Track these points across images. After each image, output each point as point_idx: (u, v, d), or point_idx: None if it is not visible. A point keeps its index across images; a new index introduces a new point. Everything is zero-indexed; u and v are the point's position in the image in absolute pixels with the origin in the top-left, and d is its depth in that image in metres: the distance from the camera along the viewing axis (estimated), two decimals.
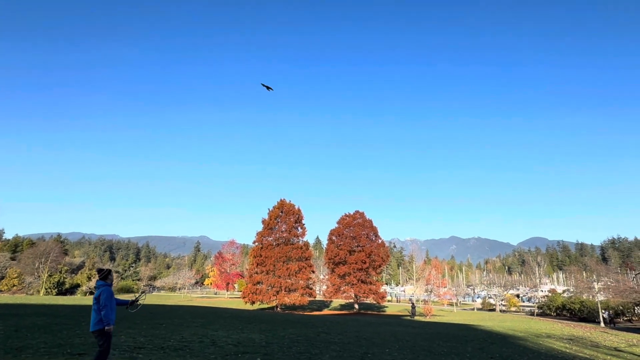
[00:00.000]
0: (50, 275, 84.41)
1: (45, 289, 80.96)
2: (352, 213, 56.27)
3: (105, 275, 7.89)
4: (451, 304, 73.31)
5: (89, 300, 56.24)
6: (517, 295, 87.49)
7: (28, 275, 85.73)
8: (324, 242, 74.94)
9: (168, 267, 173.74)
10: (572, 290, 76.47)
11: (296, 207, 52.24)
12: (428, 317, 44.47)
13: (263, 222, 51.55)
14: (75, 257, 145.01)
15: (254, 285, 48.29)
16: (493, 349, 16.74)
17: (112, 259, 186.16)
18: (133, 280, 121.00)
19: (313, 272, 54.10)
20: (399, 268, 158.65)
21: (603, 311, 43.32)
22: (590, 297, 50.61)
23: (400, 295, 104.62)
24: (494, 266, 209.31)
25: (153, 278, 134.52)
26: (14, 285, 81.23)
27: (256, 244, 51.39)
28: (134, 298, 8.80)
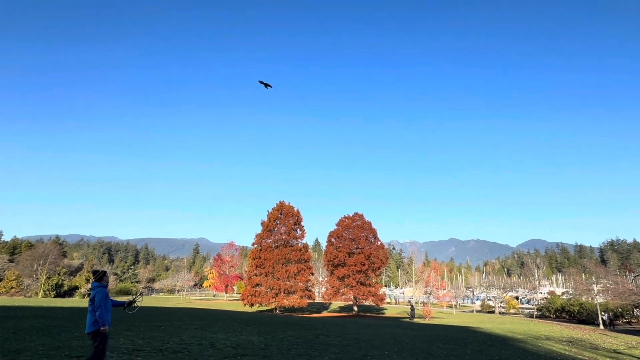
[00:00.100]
0: (48, 278, 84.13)
1: (44, 291, 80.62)
2: (351, 215, 56.30)
3: (100, 277, 7.89)
4: (450, 306, 73.17)
5: (87, 302, 56.00)
6: (516, 298, 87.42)
7: (26, 277, 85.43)
8: (323, 244, 74.86)
9: (167, 269, 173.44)
10: (571, 292, 76.39)
11: (295, 209, 52.25)
12: (427, 319, 44.40)
13: (262, 224, 51.51)
14: (73, 259, 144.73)
15: (253, 287, 48.19)
16: (492, 351, 16.72)
17: (111, 261, 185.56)
18: (132, 282, 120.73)
19: (312, 274, 54.05)
20: (398, 270, 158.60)
21: (602, 313, 43.32)
22: (590, 299, 50.60)
23: (399, 298, 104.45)
24: (493, 268, 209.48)
25: (152, 280, 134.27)
26: (12, 288, 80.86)
27: (255, 246, 51.32)
28: (131, 299, 8.79)
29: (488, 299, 79.83)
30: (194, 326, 18.69)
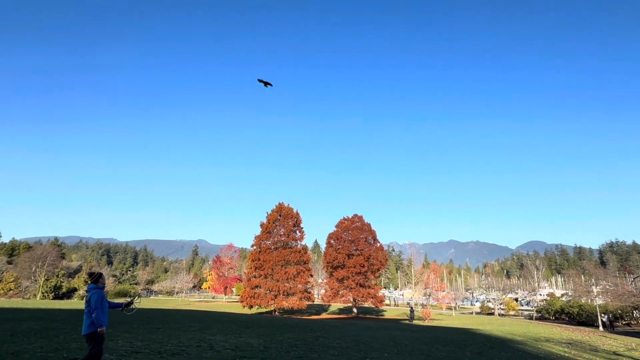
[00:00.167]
0: (47, 279, 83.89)
1: (42, 293, 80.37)
2: (350, 217, 56.28)
3: (96, 279, 7.89)
4: (450, 308, 73.12)
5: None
6: (516, 299, 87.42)
7: (25, 279, 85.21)
8: (323, 245, 74.85)
9: (166, 271, 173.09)
10: (570, 294, 76.48)
11: (295, 210, 52.21)
12: (426, 321, 44.34)
13: (261, 225, 51.46)
14: (72, 260, 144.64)
15: (252, 289, 48.10)
16: (492, 353, 16.70)
17: (110, 262, 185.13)
18: (130, 284, 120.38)
19: (311, 275, 53.98)
20: (397, 272, 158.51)
21: (602, 315, 43.28)
22: (589, 300, 50.58)
23: (398, 299, 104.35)
24: (493, 270, 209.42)
25: (150, 282, 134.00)
26: (11, 290, 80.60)
27: (254, 247, 51.26)
28: (128, 300, 8.78)
29: (487, 301, 79.78)
30: (193, 328, 18.64)
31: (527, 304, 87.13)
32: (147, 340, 13.67)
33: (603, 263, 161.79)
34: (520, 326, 37.32)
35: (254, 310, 51.84)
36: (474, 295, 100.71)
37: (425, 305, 66.95)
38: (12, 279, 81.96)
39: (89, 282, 7.95)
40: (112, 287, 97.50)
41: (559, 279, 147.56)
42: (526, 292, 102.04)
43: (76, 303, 60.75)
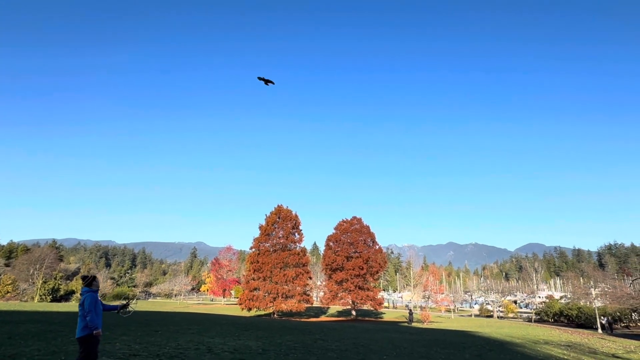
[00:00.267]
0: (44, 282, 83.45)
1: (40, 295, 80.00)
2: (349, 219, 56.24)
3: (90, 282, 7.88)
4: (449, 311, 73.11)
5: None
6: (515, 302, 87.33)
7: (22, 281, 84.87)
8: (321, 248, 74.69)
9: (164, 274, 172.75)
10: (569, 296, 76.54)
11: (293, 212, 52.22)
12: (425, 323, 44.33)
13: (260, 228, 51.43)
14: (70, 263, 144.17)
15: (251, 291, 48.01)
16: (491, 355, 16.69)
17: (108, 265, 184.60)
18: (129, 287, 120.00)
19: (310, 278, 53.90)
20: (396, 274, 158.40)
21: (601, 317, 43.32)
22: (588, 303, 50.63)
23: (397, 302, 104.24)
24: (492, 272, 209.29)
25: (149, 284, 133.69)
26: (8, 292, 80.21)
27: (253, 250, 51.22)
28: (123, 303, 8.76)
29: (486, 303, 79.68)
30: (191, 331, 18.59)
31: (526, 306, 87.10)
32: (145, 343, 13.64)
33: (602, 265, 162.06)
34: (519, 328, 37.34)
35: (253, 312, 51.72)
36: (473, 297, 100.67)
37: (424, 308, 66.90)
38: (10, 282, 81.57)
39: (83, 285, 7.95)
40: (111, 290, 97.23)
41: (558, 281, 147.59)
42: (525, 295, 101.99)
43: (74, 306, 60.40)
